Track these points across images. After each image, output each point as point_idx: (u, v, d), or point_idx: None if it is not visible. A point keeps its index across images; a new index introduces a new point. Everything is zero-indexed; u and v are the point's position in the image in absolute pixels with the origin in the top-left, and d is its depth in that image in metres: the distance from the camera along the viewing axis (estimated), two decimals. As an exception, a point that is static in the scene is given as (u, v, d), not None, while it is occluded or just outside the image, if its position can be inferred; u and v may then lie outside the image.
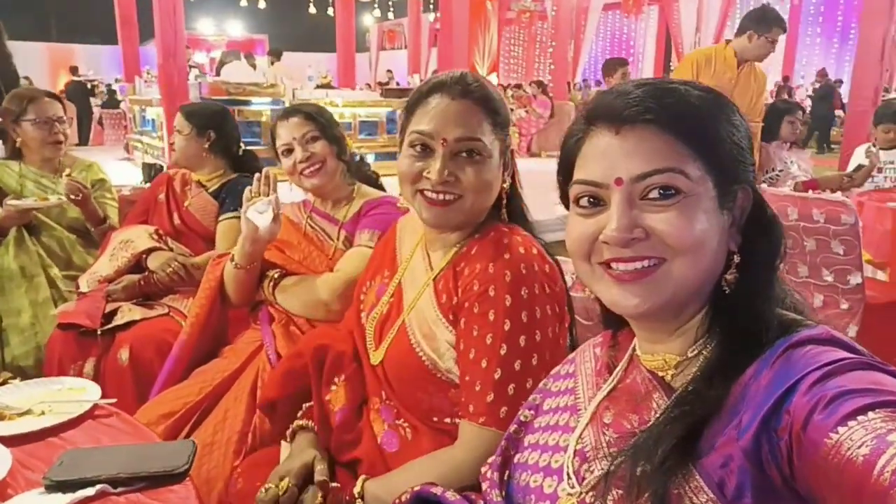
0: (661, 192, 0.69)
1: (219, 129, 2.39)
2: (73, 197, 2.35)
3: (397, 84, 12.75)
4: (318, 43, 14.17)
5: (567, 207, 0.79)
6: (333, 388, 1.29)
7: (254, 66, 8.80)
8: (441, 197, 1.13)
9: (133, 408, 1.68)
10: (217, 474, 1.48)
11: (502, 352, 1.06)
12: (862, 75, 5.98)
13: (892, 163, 3.80)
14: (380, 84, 11.37)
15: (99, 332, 2.02)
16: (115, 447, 1.07)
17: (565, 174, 0.78)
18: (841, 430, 0.53)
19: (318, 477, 1.12)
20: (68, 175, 2.39)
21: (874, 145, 3.82)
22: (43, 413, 1.16)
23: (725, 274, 0.73)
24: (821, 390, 0.57)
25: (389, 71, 15.67)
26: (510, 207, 1.23)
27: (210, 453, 1.51)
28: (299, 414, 1.32)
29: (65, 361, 2.01)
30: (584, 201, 0.74)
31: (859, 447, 0.52)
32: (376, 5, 13.49)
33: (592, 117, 0.74)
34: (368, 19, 17.04)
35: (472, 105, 1.13)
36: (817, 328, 0.67)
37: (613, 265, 0.72)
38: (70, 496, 0.93)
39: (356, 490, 1.08)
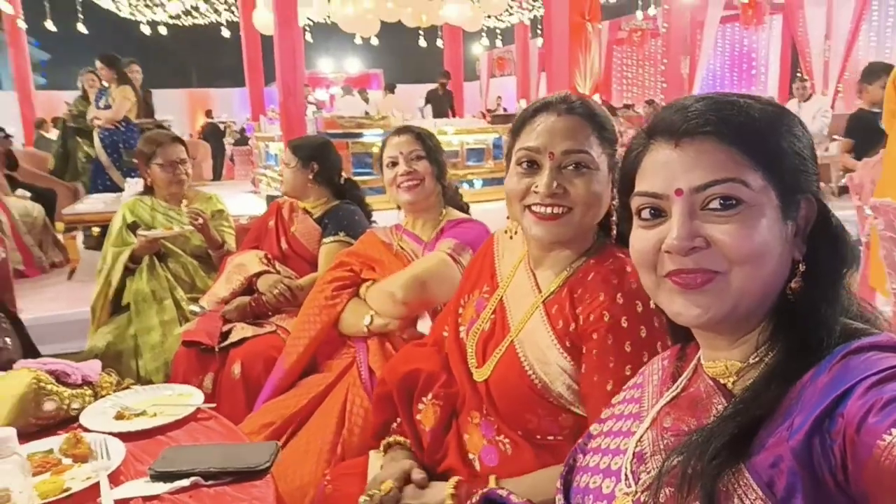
0: (722, 202, 0.69)
1: (321, 160, 2.57)
2: (193, 222, 2.63)
3: (504, 110, 12.90)
4: (429, 74, 14.64)
5: (627, 220, 0.81)
6: (422, 406, 1.32)
7: (366, 100, 9.27)
8: (550, 210, 1.13)
9: (243, 417, 1.84)
10: (310, 480, 1.58)
11: (627, 372, 1.05)
12: None
13: None
14: (489, 111, 11.58)
15: (216, 349, 2.22)
16: (209, 445, 1.20)
17: (624, 188, 0.80)
18: (894, 431, 0.53)
19: (416, 476, 1.18)
20: (187, 204, 2.67)
21: None
22: (155, 415, 1.32)
23: (790, 283, 0.73)
24: (877, 393, 0.57)
25: (499, 97, 15.90)
26: (621, 227, 1.19)
27: (304, 461, 1.61)
28: (391, 429, 1.37)
29: (188, 376, 2.20)
30: (645, 213, 0.75)
31: None
32: (484, 34, 13.75)
33: (652, 132, 0.76)
34: (478, 48, 17.41)
35: (578, 119, 1.14)
36: (880, 335, 0.66)
37: (675, 277, 0.73)
38: (169, 486, 1.06)
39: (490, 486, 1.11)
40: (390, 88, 10.52)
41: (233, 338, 2.24)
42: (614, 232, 1.18)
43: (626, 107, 11.29)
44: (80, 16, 10.56)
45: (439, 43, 11.90)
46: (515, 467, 1.15)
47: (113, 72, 5.49)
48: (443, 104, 10.24)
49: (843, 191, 4.13)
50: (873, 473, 0.54)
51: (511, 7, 11.02)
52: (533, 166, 1.15)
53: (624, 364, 1.07)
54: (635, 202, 0.77)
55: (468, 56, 15.55)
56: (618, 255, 1.16)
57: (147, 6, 11.18)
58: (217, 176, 11.53)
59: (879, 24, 11.44)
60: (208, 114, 13.72)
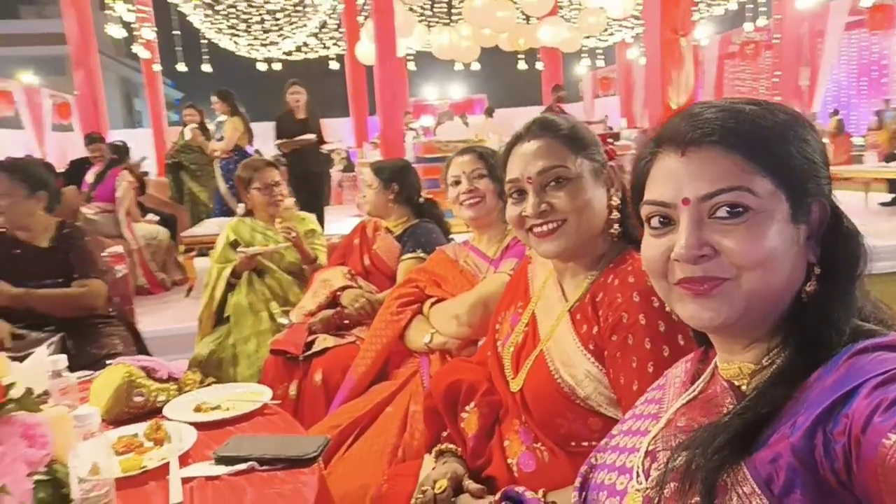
0: (729, 210, 0.70)
1: (401, 181, 2.70)
2: (287, 237, 2.87)
3: (609, 129, 12.72)
4: (531, 97, 14.71)
5: (640, 228, 0.83)
6: (465, 415, 1.39)
7: (466, 124, 9.48)
8: (546, 227, 1.21)
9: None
10: (371, 480, 1.66)
11: (650, 370, 1.08)
12: None
13: None
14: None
15: (301, 358, 2.38)
16: (268, 436, 1.32)
17: (636, 196, 0.83)
18: None
19: (472, 486, 1.24)
20: (280, 223, 2.89)
21: None
22: (228, 409, 1.47)
23: (805, 286, 0.73)
24: (882, 393, 0.57)
25: (605, 116, 15.69)
26: (626, 226, 1.24)
27: (367, 461, 1.70)
28: (442, 437, 1.45)
29: (275, 382, 2.36)
30: (654, 221, 0.77)
31: None
32: (585, 54, 13.69)
33: (660, 140, 0.77)
34: (581, 69, 17.31)
35: (548, 139, 1.22)
36: (888, 336, 0.66)
37: (685, 284, 0.75)
38: (229, 468, 1.18)
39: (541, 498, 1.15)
40: (489, 112, 10.71)
41: (316, 347, 2.39)
42: (616, 229, 1.22)
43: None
44: (206, 56, 11.60)
45: (539, 65, 11.97)
46: (551, 474, 1.19)
47: (227, 105, 5.97)
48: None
49: None
50: (878, 473, 0.54)
51: (610, 26, 10.93)
52: (521, 194, 1.23)
53: (646, 362, 1.08)
54: (644, 210, 0.79)
55: (571, 77, 15.50)
56: (635, 256, 1.18)
57: (263, 45, 12.08)
58: (325, 202, 12.12)
59: None
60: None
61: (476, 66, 11.25)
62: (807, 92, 12.37)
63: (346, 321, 2.53)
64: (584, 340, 1.19)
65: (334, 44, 12.43)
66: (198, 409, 1.46)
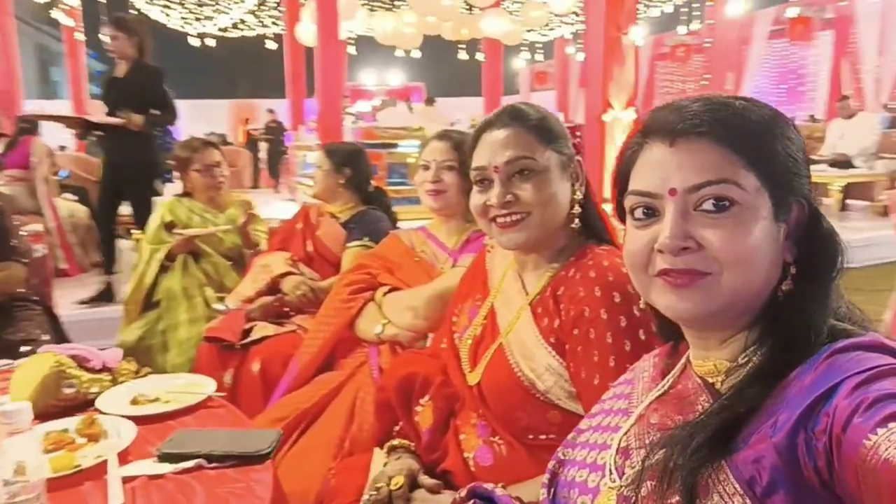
0: (715, 203, 0.70)
1: (354, 166, 2.63)
2: (248, 210, 2.83)
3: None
4: (471, 87, 14.74)
5: (621, 220, 0.82)
6: (419, 409, 1.36)
7: (411, 110, 9.40)
8: (509, 219, 1.18)
9: (261, 413, 1.89)
10: (317, 474, 1.61)
11: (611, 364, 1.07)
12: None
13: None
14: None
15: (237, 346, 2.28)
16: (215, 430, 1.25)
17: (620, 186, 0.81)
18: (880, 431, 0.53)
19: (428, 482, 1.21)
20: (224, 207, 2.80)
21: None
22: (168, 401, 1.38)
23: (781, 284, 0.73)
24: (863, 393, 0.57)
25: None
26: (588, 221, 1.24)
27: (312, 455, 1.64)
28: (394, 431, 1.41)
29: (209, 370, 2.25)
30: (638, 212, 0.76)
31: None
32: (524, 48, 13.80)
33: (648, 131, 0.77)
34: (519, 62, 17.46)
35: (517, 128, 1.19)
36: (866, 336, 0.67)
37: (666, 276, 0.74)
38: (174, 466, 1.10)
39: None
40: (429, 101, 10.65)
41: (254, 335, 2.31)
42: (578, 223, 1.21)
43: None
44: (133, 28, 10.96)
45: (480, 56, 11.98)
46: (510, 468, 1.17)
47: None
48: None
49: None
50: (859, 473, 0.54)
51: (552, 21, 11.05)
52: (486, 183, 1.21)
53: (607, 356, 1.08)
54: (629, 201, 0.77)
55: (509, 70, 15.59)
56: (596, 251, 1.19)
57: (197, 19, 11.56)
58: (255, 184, 11.82)
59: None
60: (246, 122, 14.03)
61: (416, 54, 11.15)
62: (732, 96, 12.88)
63: (287, 309, 2.44)
64: (545, 334, 1.18)
65: (273, 22, 12.04)
66: (135, 402, 1.37)
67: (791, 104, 14.15)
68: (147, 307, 2.78)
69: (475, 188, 1.24)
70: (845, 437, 0.55)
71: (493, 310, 1.30)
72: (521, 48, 13.57)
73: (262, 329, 2.32)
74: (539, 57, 15.42)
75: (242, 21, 11.91)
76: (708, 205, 0.70)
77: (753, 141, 0.71)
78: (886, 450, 0.51)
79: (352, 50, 12.11)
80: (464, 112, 11.97)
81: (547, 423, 1.17)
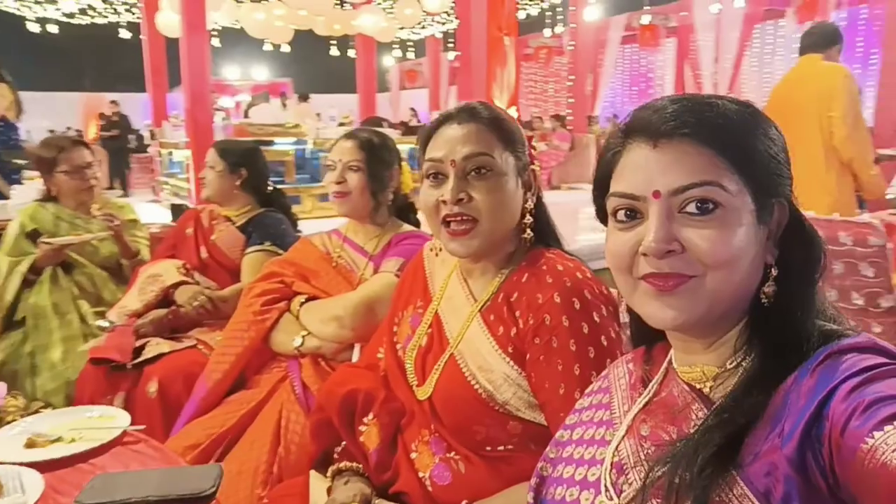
0: (699, 205, 0.69)
1: (251, 166, 2.46)
2: (110, 225, 2.48)
3: (419, 121, 12.98)
4: (341, 84, 14.49)
5: (602, 222, 0.80)
6: (364, 428, 1.27)
7: (285, 106, 9.04)
8: (460, 227, 1.13)
9: (161, 439, 1.70)
10: (245, 502, 1.48)
11: (576, 372, 1.05)
12: (887, 99, 5.95)
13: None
14: (402, 123, 11.56)
15: (129, 367, 2.05)
16: (145, 471, 1.09)
17: (601, 188, 0.78)
18: (877, 434, 0.53)
19: None
20: (99, 208, 2.48)
21: None
22: (73, 440, 1.19)
23: (763, 286, 0.73)
24: (859, 396, 0.57)
25: (413, 109, 15.93)
26: (539, 229, 1.21)
27: (239, 483, 1.52)
28: (336, 455, 1.30)
29: (95, 396, 2.04)
30: (621, 214, 0.74)
31: (894, 451, 0.51)
32: (396, 46, 13.78)
33: (630, 131, 0.75)
34: (389, 60, 17.41)
35: (478, 125, 1.15)
36: (860, 336, 0.67)
37: (651, 279, 0.72)
38: (100, 519, 0.94)
39: None
40: (303, 97, 10.32)
41: (147, 354, 2.09)
42: (529, 234, 1.19)
43: (536, 118, 11.62)
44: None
45: (351, 53, 11.80)
46: (470, 484, 1.11)
47: None
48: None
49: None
50: (858, 476, 0.54)
51: (424, 20, 11.09)
52: (439, 178, 1.16)
53: (572, 364, 1.06)
54: (611, 203, 0.75)
55: (381, 68, 15.50)
56: (548, 256, 1.17)
57: (37, 2, 10.42)
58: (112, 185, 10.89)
59: (760, 50, 12.40)
60: (100, 117, 12.88)
61: (285, 49, 10.78)
62: (590, 96, 13.67)
63: (184, 322, 2.24)
64: (501, 343, 1.13)
65: (127, 10, 11.10)
66: (32, 445, 1.16)
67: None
68: (8, 327, 2.43)
69: (427, 182, 1.17)
70: (843, 441, 0.56)
71: (437, 317, 1.24)
72: (394, 46, 13.53)
73: (157, 346, 2.11)
74: (411, 55, 15.47)
75: (91, 7, 10.89)
76: (692, 207, 0.69)
77: (735, 141, 0.70)
78: (884, 453, 0.52)
79: (216, 42, 11.49)
80: (336, 109, 11.75)
81: (507, 434, 1.12)
